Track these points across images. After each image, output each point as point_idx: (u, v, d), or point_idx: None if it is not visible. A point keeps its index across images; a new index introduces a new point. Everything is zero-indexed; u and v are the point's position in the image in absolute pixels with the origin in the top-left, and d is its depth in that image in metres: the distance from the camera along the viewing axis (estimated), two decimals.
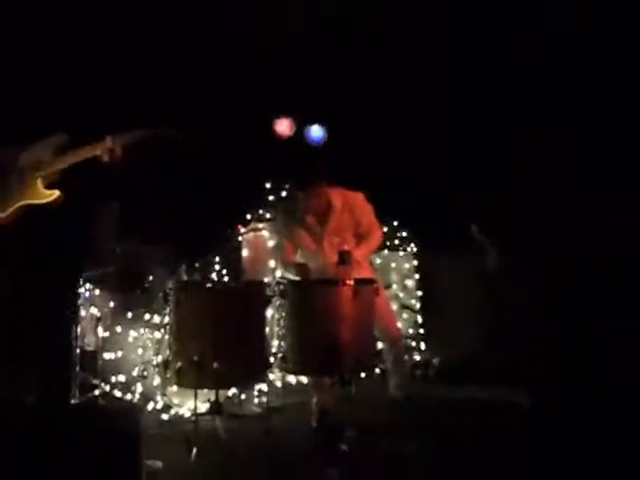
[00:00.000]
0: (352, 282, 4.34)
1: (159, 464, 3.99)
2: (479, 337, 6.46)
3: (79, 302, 5.39)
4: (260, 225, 7.00)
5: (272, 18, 6.78)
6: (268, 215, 7.03)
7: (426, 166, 7.19)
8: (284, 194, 6.94)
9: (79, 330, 5.36)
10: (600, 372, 5.20)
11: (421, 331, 7.43)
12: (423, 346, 7.37)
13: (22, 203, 3.87)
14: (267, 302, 4.66)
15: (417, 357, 7.23)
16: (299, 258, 5.22)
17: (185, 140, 4.16)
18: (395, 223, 7.42)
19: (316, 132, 7.86)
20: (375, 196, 5.31)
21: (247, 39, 6.96)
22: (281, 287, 4.61)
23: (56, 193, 3.87)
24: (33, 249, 4.00)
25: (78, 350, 5.35)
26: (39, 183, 3.89)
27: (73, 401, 5.10)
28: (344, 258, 4.70)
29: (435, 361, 7.03)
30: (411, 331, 7.43)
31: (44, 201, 3.88)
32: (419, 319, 7.48)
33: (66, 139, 3.98)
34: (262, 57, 7.14)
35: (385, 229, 6.32)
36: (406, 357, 5.91)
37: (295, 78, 7.29)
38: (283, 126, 7.86)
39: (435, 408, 5.13)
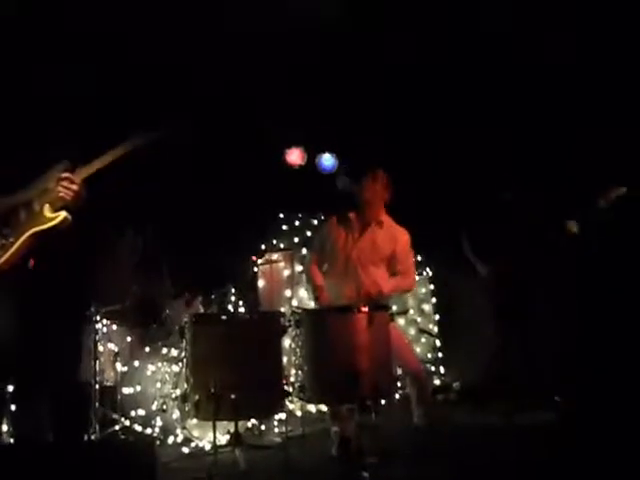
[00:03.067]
0: (366, 309, 4.33)
1: None
2: (499, 359, 6.42)
3: (97, 338, 5.43)
4: (275, 256, 7.04)
5: (280, 49, 6.85)
6: (282, 245, 7.07)
7: (439, 190, 7.22)
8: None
9: (97, 365, 5.39)
10: (626, 392, 5.17)
11: (440, 355, 7.42)
12: (443, 370, 7.35)
13: (31, 232, 3.89)
14: (283, 332, 4.65)
15: (437, 381, 7.21)
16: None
17: (163, 138, 4.14)
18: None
19: (327, 160, 7.90)
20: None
21: (257, 70, 7.03)
22: (297, 316, 4.62)
23: (62, 215, 3.88)
24: (43, 286, 4.02)
25: (97, 385, 5.38)
26: (46, 209, 3.91)
27: (93, 436, 5.12)
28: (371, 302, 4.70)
29: (455, 385, 7.00)
30: (430, 355, 7.41)
31: (51, 224, 3.88)
32: (438, 343, 7.47)
33: (68, 165, 4.00)
34: (272, 89, 7.20)
35: None
36: (430, 384, 5.86)
37: (305, 107, 7.34)
38: (294, 156, 7.91)
39: (456, 434, 5.09)
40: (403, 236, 5.17)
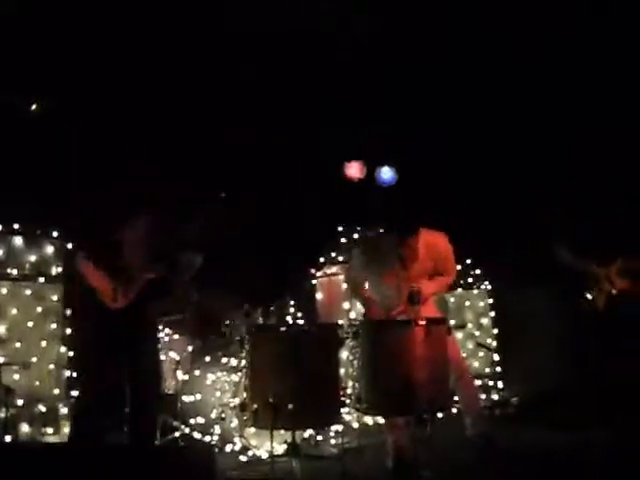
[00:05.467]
0: (424, 322, 4.36)
1: None
2: (558, 374, 6.36)
3: (159, 347, 5.57)
4: (333, 268, 7.11)
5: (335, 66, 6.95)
6: (341, 258, 7.13)
7: (495, 202, 7.20)
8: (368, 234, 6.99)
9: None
10: None
11: (498, 369, 7.38)
12: (501, 385, 7.30)
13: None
14: (341, 344, 4.71)
15: (495, 396, 7.17)
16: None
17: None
18: (468, 261, 7.41)
19: (386, 174, 7.94)
20: (447, 235, 5.31)
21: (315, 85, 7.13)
22: (354, 329, 4.66)
23: None
24: None
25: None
26: None
27: (156, 442, 5.24)
28: (414, 298, 4.73)
29: (514, 400, 6.95)
30: (488, 370, 7.37)
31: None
32: (496, 357, 7.43)
33: None
34: (330, 102, 7.29)
35: (458, 267, 6.28)
36: (479, 395, 5.81)
37: (364, 121, 7.41)
38: (353, 169, 7.97)
39: (512, 448, 5.03)
40: (441, 242, 5.14)
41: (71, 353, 5.97)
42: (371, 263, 5.19)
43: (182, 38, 6.34)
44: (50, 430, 5.84)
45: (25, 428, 5.73)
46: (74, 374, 5.85)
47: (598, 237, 5.79)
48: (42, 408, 5.86)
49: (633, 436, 5.02)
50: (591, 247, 5.84)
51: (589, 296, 5.84)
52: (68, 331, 6.02)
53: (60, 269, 6.20)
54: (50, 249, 6.18)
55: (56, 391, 5.94)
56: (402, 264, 5.05)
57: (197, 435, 5.57)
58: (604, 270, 5.81)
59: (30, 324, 6.00)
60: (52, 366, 6.02)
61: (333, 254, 7.31)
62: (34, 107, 5.53)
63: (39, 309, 6.06)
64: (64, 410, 5.90)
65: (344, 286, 7.04)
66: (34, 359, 5.93)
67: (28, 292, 6.06)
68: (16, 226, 6.09)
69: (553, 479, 4.47)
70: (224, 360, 5.91)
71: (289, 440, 4.76)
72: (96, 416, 4.31)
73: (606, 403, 5.49)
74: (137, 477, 2.81)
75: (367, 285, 5.20)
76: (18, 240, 6.14)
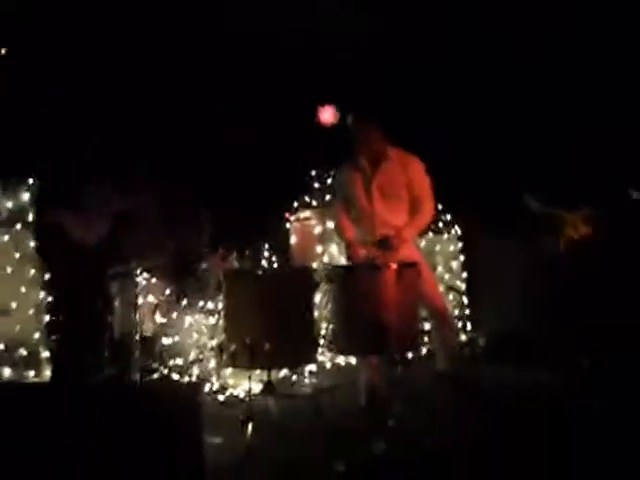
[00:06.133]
0: (395, 266, 4.50)
1: (217, 441, 4.25)
2: (525, 316, 6.55)
3: (137, 291, 5.69)
4: (307, 213, 7.21)
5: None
6: (314, 202, 7.23)
7: (467, 151, 7.32)
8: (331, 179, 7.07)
9: (138, 317, 5.66)
10: None
11: (467, 312, 7.58)
12: (469, 327, 7.51)
13: None
14: (315, 287, 4.83)
15: (463, 338, 7.37)
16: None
17: None
18: (439, 207, 7.53)
19: (326, 113, 7.94)
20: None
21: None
22: (328, 272, 4.79)
23: None
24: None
25: (137, 336, 5.64)
26: None
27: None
28: (384, 244, 4.89)
29: (481, 341, 7.16)
30: (457, 312, 7.56)
31: None
32: (465, 300, 7.62)
33: None
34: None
35: None
36: (457, 334, 5.96)
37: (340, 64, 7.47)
38: (327, 114, 8.00)
39: (479, 386, 5.19)
40: (414, 161, 5.18)
41: (50, 298, 6.06)
42: (346, 192, 5.28)
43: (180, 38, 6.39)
44: (32, 373, 5.96)
45: (7, 372, 5.85)
46: (54, 318, 5.96)
47: (564, 187, 5.98)
48: (23, 352, 5.95)
49: (592, 377, 5.25)
50: (558, 195, 6.03)
51: (553, 240, 6.03)
52: (47, 276, 6.10)
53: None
54: (26, 196, 6.21)
55: (37, 335, 6.03)
56: (371, 164, 5.14)
57: (176, 376, 5.73)
58: (570, 216, 6.00)
59: (9, 270, 6.05)
60: (32, 311, 6.10)
61: (307, 198, 7.39)
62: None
63: (17, 255, 6.10)
64: (45, 354, 6.02)
65: (317, 230, 7.17)
66: (14, 305, 6.01)
67: (6, 238, 6.11)
68: None
69: (517, 417, 4.65)
70: (201, 303, 6.05)
71: (265, 379, 4.89)
72: (76, 357, 4.43)
73: (568, 344, 5.71)
74: (124, 414, 2.95)
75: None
76: None
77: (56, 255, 5.62)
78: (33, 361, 5.95)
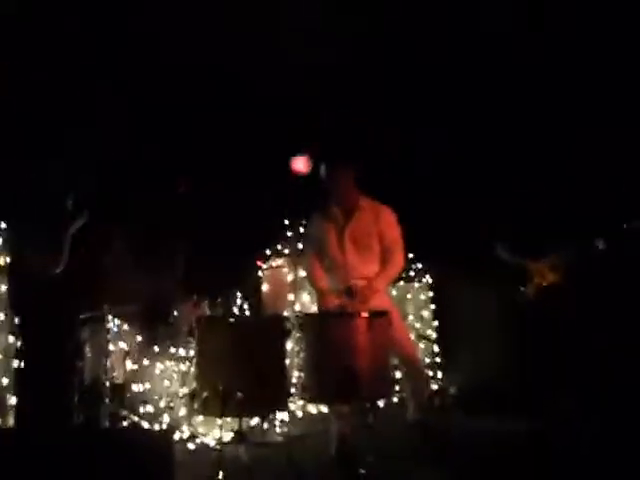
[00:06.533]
0: (366, 315, 4.53)
1: None
2: (496, 366, 6.59)
3: (108, 337, 5.65)
4: (279, 261, 7.25)
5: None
6: (286, 251, 7.28)
7: (439, 198, 7.42)
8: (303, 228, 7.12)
9: (108, 363, 5.61)
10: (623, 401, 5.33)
11: (438, 360, 7.61)
12: (440, 375, 7.54)
13: None
14: (287, 335, 4.82)
15: (434, 386, 7.39)
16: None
17: None
18: (410, 255, 7.60)
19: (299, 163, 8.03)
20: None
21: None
22: (300, 320, 4.81)
23: None
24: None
25: (107, 383, 5.59)
26: None
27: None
28: (350, 293, 4.96)
29: (452, 390, 7.18)
30: (428, 360, 7.59)
31: None
32: (436, 349, 7.66)
33: None
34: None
35: None
36: (428, 384, 5.98)
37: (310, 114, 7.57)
38: (300, 164, 8.08)
39: (450, 435, 5.20)
40: (386, 211, 5.25)
41: (19, 343, 5.99)
42: (318, 241, 5.33)
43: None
44: None
45: None
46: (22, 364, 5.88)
47: (532, 236, 6.12)
48: None
49: (563, 425, 5.30)
50: (526, 245, 6.16)
51: (522, 289, 6.14)
52: (16, 320, 6.03)
53: (8, 259, 6.20)
54: None
55: (4, 381, 5.95)
56: (343, 213, 5.20)
57: (146, 424, 5.68)
58: (537, 265, 6.13)
59: None
60: (0, 356, 6.02)
61: (279, 247, 7.43)
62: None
63: None
64: (12, 400, 5.92)
65: (289, 278, 7.20)
66: None
67: None
68: None
69: (488, 466, 4.66)
70: (172, 350, 6.03)
71: (236, 428, 4.88)
72: (44, 402, 4.39)
73: (536, 392, 5.76)
74: (94, 460, 2.93)
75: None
76: None
77: (26, 299, 5.58)
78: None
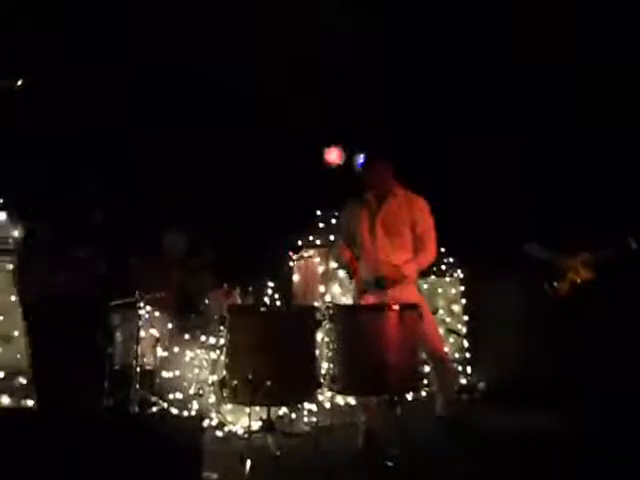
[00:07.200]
0: (397, 307, 4.53)
1: (215, 476, 4.24)
2: (525, 362, 6.54)
3: (140, 323, 5.70)
4: (311, 252, 7.25)
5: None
6: (318, 242, 7.27)
7: (473, 193, 7.37)
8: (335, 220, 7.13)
9: (139, 350, 5.66)
10: None
11: (467, 355, 7.57)
12: (469, 370, 7.50)
13: None
14: (317, 326, 4.82)
15: (463, 381, 7.36)
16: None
17: None
18: (442, 250, 7.57)
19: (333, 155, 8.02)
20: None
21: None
22: (331, 312, 4.82)
23: None
24: None
25: (138, 369, 5.64)
26: None
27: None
28: (380, 282, 4.94)
29: (481, 385, 7.15)
30: (457, 355, 7.56)
31: None
32: (465, 344, 7.62)
33: None
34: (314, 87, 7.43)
35: None
36: (456, 379, 5.96)
37: (346, 106, 7.55)
38: (333, 155, 8.08)
39: (477, 430, 5.19)
40: (420, 200, 5.28)
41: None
42: (350, 228, 5.37)
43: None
44: (30, 402, 5.94)
45: (6, 400, 5.83)
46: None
47: (566, 231, 6.06)
48: (22, 380, 5.93)
49: (592, 420, 5.25)
50: (559, 240, 6.10)
51: (555, 284, 6.09)
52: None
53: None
54: None
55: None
56: (377, 199, 5.24)
57: (175, 410, 5.72)
58: (571, 261, 6.06)
59: (12, 298, 6.07)
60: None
61: (311, 237, 7.43)
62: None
63: None
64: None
65: (320, 269, 7.20)
66: (15, 333, 6.01)
67: (10, 267, 6.12)
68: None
69: (515, 461, 4.65)
70: (203, 338, 6.06)
71: (264, 417, 4.88)
72: (74, 387, 4.44)
73: (566, 389, 5.71)
74: (123, 445, 2.96)
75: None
76: (2, 215, 6.20)
77: (57, 286, 5.65)
78: (32, 389, 5.93)
